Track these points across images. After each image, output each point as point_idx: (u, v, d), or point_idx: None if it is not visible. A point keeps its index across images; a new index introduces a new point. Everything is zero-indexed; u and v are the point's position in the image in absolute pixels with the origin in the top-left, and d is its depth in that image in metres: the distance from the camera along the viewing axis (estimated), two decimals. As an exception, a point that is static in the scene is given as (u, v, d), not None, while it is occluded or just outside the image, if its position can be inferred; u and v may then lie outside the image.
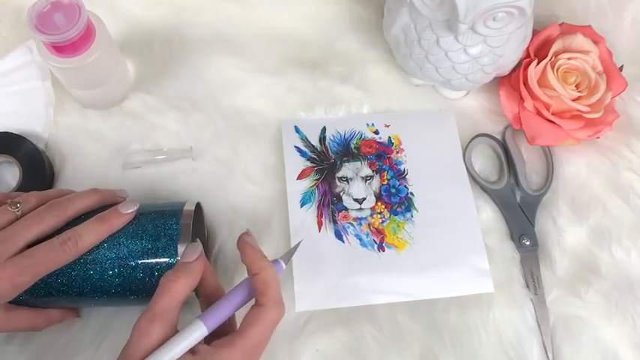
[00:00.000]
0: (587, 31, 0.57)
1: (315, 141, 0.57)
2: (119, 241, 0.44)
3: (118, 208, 0.45)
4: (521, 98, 0.56)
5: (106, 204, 0.46)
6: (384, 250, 0.52)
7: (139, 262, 0.44)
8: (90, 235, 0.43)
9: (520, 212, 0.55)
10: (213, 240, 0.52)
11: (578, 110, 0.54)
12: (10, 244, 0.41)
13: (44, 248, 0.42)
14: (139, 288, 0.45)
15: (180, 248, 0.44)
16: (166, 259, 0.44)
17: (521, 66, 0.56)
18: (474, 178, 0.56)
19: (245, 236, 0.43)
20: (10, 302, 0.42)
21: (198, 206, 0.49)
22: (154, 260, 0.44)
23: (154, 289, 0.40)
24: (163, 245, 0.44)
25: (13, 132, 0.54)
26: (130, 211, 0.45)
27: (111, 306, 0.48)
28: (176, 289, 0.39)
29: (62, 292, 0.44)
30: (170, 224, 0.45)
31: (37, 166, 0.52)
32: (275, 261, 0.42)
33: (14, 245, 0.41)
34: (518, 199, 0.55)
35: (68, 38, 0.47)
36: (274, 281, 0.41)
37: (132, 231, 0.45)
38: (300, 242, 0.44)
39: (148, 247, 0.44)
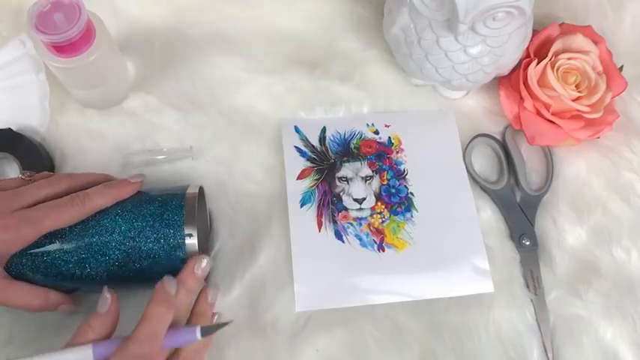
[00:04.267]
0: (587, 31, 0.57)
1: (315, 141, 0.57)
2: (123, 216, 0.45)
3: (127, 178, 0.46)
4: (521, 98, 0.56)
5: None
6: (384, 250, 0.52)
7: (142, 240, 0.44)
8: (99, 197, 0.44)
9: (520, 212, 0.55)
10: (215, 236, 0.52)
11: (578, 110, 0.54)
12: (19, 198, 0.42)
13: (52, 203, 0.43)
14: (141, 267, 0.44)
15: (186, 230, 0.45)
16: (170, 242, 0.44)
17: (521, 66, 0.56)
18: (473, 178, 0.56)
19: (165, 278, 0.41)
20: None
21: (201, 190, 0.49)
22: (157, 240, 0.45)
23: (156, 269, 0.41)
24: (167, 228, 0.45)
25: (10, 127, 0.53)
26: (137, 180, 0.46)
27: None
28: (87, 339, 0.38)
29: (64, 263, 0.44)
30: (175, 206, 0.45)
31: (36, 163, 0.52)
32: (193, 327, 0.40)
33: (22, 199, 0.42)
34: (518, 199, 0.55)
35: (68, 38, 0.47)
36: (152, 319, 0.38)
37: (137, 209, 0.45)
38: (229, 322, 0.41)
39: (151, 226, 0.45)
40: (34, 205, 0.43)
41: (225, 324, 0.40)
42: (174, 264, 0.44)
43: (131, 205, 0.45)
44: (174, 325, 0.40)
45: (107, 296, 0.40)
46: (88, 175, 0.47)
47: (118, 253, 0.44)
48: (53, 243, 0.43)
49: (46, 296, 0.45)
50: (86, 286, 0.46)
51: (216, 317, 0.46)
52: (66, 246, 0.44)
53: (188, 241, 0.45)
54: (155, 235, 0.44)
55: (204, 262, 0.43)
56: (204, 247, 0.50)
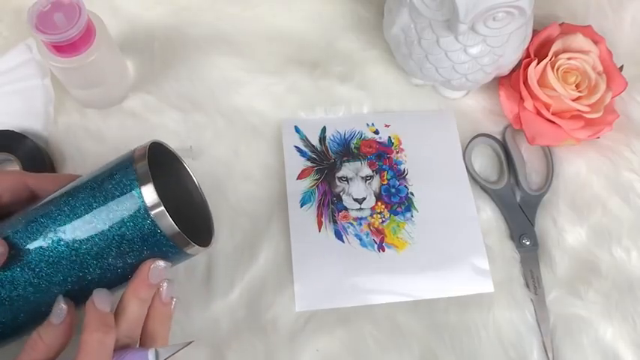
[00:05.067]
0: (587, 31, 0.57)
1: (315, 141, 0.57)
2: (79, 226, 0.38)
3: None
4: (521, 98, 0.56)
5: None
6: (384, 250, 0.52)
7: (105, 224, 0.38)
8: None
9: (520, 212, 0.55)
10: (215, 238, 0.52)
11: (578, 110, 0.54)
12: None
13: None
14: (118, 250, 0.38)
15: (145, 190, 0.37)
16: (131, 211, 0.38)
17: (521, 66, 0.56)
18: (474, 178, 0.56)
19: (94, 294, 0.37)
20: None
21: (160, 146, 0.42)
22: (119, 215, 0.38)
23: (137, 255, 0.38)
24: (122, 195, 0.38)
25: (14, 130, 0.54)
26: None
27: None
28: (37, 352, 0.35)
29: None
30: (125, 173, 0.39)
31: (37, 164, 0.52)
32: (145, 349, 0.36)
33: None
34: (518, 199, 0.55)
35: (68, 38, 0.47)
36: (90, 349, 0.34)
37: (83, 200, 0.39)
38: (189, 342, 0.37)
39: (109, 213, 0.38)
40: None
41: (186, 344, 0.36)
42: (154, 241, 0.38)
43: (79, 202, 0.38)
44: (123, 347, 0.36)
45: (63, 306, 0.37)
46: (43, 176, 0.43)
47: (83, 257, 0.38)
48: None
49: None
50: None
51: (174, 302, 0.40)
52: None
53: (152, 208, 0.38)
54: (112, 220, 0.38)
55: (161, 265, 0.38)
56: (190, 204, 0.45)
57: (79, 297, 0.39)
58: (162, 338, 0.39)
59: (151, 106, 0.57)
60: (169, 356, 0.36)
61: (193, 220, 0.42)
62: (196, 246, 0.40)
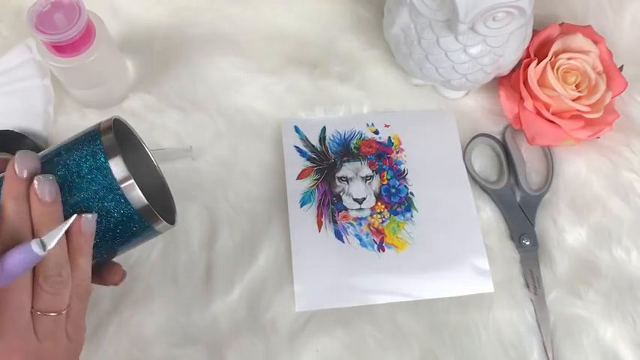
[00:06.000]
0: (587, 31, 0.57)
1: (315, 141, 0.57)
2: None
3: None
4: (521, 98, 0.56)
5: None
6: (384, 250, 0.52)
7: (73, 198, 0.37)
8: None
9: (520, 212, 0.55)
10: (215, 238, 0.52)
11: (578, 110, 0.54)
12: None
13: None
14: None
15: (113, 163, 0.37)
16: (99, 184, 0.37)
17: (521, 66, 0.56)
18: (473, 178, 0.56)
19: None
20: None
21: (121, 123, 0.42)
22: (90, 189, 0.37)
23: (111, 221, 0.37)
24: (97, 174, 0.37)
25: (14, 130, 0.54)
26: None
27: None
28: None
29: None
30: (92, 145, 0.38)
31: None
32: (23, 245, 0.32)
33: None
34: (518, 199, 0.55)
35: (68, 38, 0.47)
36: None
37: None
38: (74, 217, 0.35)
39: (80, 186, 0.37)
40: None
41: (70, 220, 0.33)
42: (115, 209, 0.38)
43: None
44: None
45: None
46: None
47: None
48: None
49: None
50: None
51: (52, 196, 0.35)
52: None
53: (122, 182, 0.37)
54: (78, 189, 0.37)
55: (19, 156, 0.34)
56: (153, 181, 0.44)
57: None
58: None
59: (151, 106, 0.57)
60: (58, 239, 0.33)
61: (155, 200, 0.40)
62: (164, 222, 0.40)
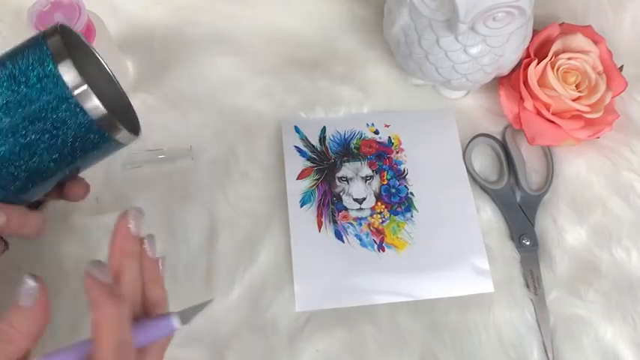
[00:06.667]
0: (587, 31, 0.57)
1: (315, 141, 0.57)
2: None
3: None
4: (521, 98, 0.56)
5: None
6: (384, 250, 0.52)
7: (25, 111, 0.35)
8: None
9: (520, 212, 0.55)
10: (215, 238, 0.52)
11: (578, 110, 0.54)
12: None
13: None
14: (41, 138, 0.36)
15: (62, 69, 0.35)
16: (51, 93, 0.35)
17: (521, 66, 0.56)
18: (474, 178, 0.56)
19: (89, 269, 0.32)
20: None
21: (69, 31, 0.38)
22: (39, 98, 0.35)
23: (60, 133, 0.35)
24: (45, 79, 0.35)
25: None
26: None
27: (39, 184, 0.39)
28: (14, 346, 0.31)
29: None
30: (39, 50, 0.35)
31: None
32: (167, 315, 0.34)
33: None
34: (518, 199, 0.55)
35: (68, 38, 0.47)
36: (109, 326, 0.30)
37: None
38: (209, 301, 0.35)
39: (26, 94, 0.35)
40: None
41: (206, 303, 0.34)
42: (70, 118, 0.36)
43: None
44: (132, 317, 0.32)
45: (32, 284, 0.31)
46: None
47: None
48: None
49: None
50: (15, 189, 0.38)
51: (161, 261, 0.37)
52: None
53: (73, 88, 0.35)
54: (29, 102, 0.35)
55: (133, 213, 0.34)
56: (113, 94, 0.42)
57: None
58: (163, 301, 0.36)
59: (151, 106, 0.57)
60: (194, 316, 0.34)
61: (114, 112, 0.38)
62: (125, 130, 0.38)
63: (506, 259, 0.53)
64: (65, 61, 0.35)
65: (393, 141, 0.57)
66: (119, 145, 0.39)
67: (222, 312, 0.49)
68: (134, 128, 0.41)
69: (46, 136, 0.36)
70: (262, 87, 0.59)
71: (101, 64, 0.42)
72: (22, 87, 0.35)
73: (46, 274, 0.34)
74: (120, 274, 0.34)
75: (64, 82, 0.35)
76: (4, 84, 0.35)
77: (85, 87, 0.35)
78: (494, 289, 0.51)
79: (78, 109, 0.35)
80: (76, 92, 0.35)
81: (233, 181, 0.55)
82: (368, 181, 0.55)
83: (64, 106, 0.35)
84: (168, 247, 0.51)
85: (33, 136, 0.36)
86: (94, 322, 0.31)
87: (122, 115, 0.40)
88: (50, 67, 0.35)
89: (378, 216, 0.54)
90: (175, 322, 0.33)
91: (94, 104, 0.35)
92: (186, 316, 0.33)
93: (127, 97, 0.43)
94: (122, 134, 0.38)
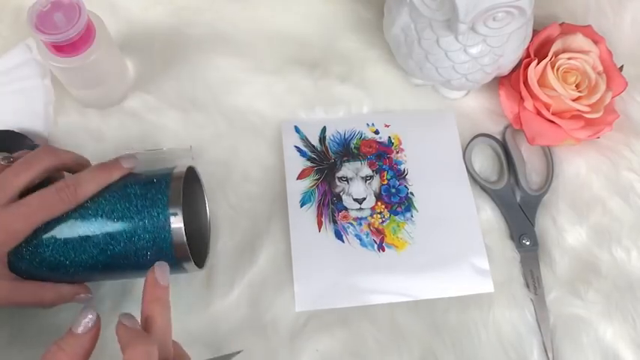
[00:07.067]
0: (587, 31, 0.57)
1: (315, 141, 0.57)
2: (107, 197, 0.43)
3: (119, 159, 0.44)
4: (521, 98, 0.56)
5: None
6: (384, 250, 0.52)
7: (126, 221, 0.43)
8: (89, 183, 0.42)
9: (520, 212, 0.55)
10: (216, 232, 0.52)
11: (578, 110, 0.54)
12: (1, 192, 0.40)
13: (40, 195, 0.41)
14: (128, 251, 0.43)
15: (171, 211, 0.43)
16: (155, 223, 0.43)
17: (521, 66, 0.56)
18: (474, 178, 0.56)
19: (121, 318, 0.35)
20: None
21: (193, 171, 0.47)
22: (140, 221, 0.43)
23: (143, 253, 0.41)
24: (150, 208, 0.43)
25: (14, 130, 0.53)
26: (129, 166, 0.44)
27: (106, 276, 0.47)
28: None
29: (51, 252, 0.42)
30: (160, 186, 0.44)
31: None
32: None
33: (5, 193, 0.40)
34: (518, 199, 0.55)
35: (68, 38, 0.47)
36: None
37: (121, 190, 0.44)
38: (238, 352, 0.38)
39: (137, 207, 0.43)
40: (20, 194, 0.41)
41: (236, 353, 0.37)
42: (161, 247, 0.43)
43: (115, 185, 0.44)
44: None
45: (91, 317, 0.35)
46: (68, 152, 0.46)
47: (101, 236, 0.42)
48: (40, 232, 0.42)
49: (57, 290, 0.44)
50: (81, 275, 0.45)
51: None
52: (49, 233, 0.42)
53: (173, 221, 0.42)
54: (139, 216, 0.42)
55: (162, 267, 0.37)
56: (200, 232, 0.49)
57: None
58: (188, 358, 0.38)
59: (151, 106, 0.57)
60: None
61: (194, 240, 0.45)
62: (193, 263, 0.44)
63: (506, 259, 0.53)
64: (178, 207, 0.43)
65: (393, 141, 0.57)
66: (182, 271, 0.45)
67: (222, 312, 0.49)
68: (201, 259, 0.47)
69: (127, 252, 0.43)
70: (262, 87, 0.59)
71: (203, 197, 0.50)
72: (132, 211, 0.43)
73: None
74: (151, 319, 0.36)
75: (169, 224, 0.42)
76: (121, 202, 0.43)
77: (180, 219, 0.42)
78: (495, 288, 0.51)
79: (167, 243, 0.42)
80: (173, 228, 0.42)
81: (233, 181, 0.55)
82: (368, 181, 0.55)
83: (157, 239, 0.43)
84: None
85: (115, 249, 0.43)
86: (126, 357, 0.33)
87: (197, 245, 0.47)
88: (164, 213, 0.43)
89: (378, 216, 0.54)
90: None
91: (180, 228, 0.43)
92: None
93: (209, 233, 0.50)
94: (190, 265, 0.44)
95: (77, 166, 0.46)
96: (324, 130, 0.57)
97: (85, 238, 0.43)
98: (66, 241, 0.43)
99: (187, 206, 0.44)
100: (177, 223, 0.43)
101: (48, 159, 0.43)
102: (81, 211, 0.43)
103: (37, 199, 0.41)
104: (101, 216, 0.43)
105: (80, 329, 0.34)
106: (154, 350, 0.33)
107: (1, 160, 0.43)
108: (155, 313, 0.36)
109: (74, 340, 0.34)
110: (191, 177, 0.47)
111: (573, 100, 0.54)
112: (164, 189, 0.43)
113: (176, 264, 0.44)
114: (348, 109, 0.58)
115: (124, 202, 0.43)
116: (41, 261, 0.43)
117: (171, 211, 0.42)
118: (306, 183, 0.55)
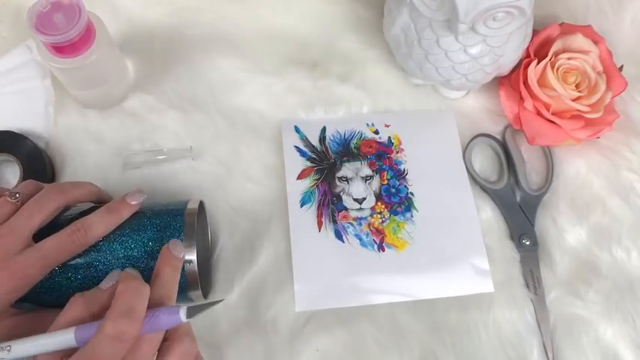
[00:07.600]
0: (587, 31, 0.57)
1: (315, 141, 0.57)
2: (121, 241, 0.44)
3: (126, 197, 0.45)
4: (521, 98, 0.56)
5: (102, 201, 0.46)
6: (384, 250, 0.52)
7: (140, 265, 0.43)
8: (99, 225, 0.43)
9: (520, 212, 0.55)
10: (216, 240, 0.52)
11: (578, 110, 0.54)
12: (16, 237, 0.41)
13: (53, 240, 0.41)
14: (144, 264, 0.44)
15: (187, 259, 0.44)
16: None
17: (521, 66, 0.56)
18: (474, 178, 0.56)
19: (125, 269, 0.41)
20: (19, 302, 0.42)
21: (202, 205, 0.49)
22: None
23: None
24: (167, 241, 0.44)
25: (14, 131, 0.54)
26: (137, 201, 0.45)
27: None
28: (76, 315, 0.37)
29: (66, 287, 0.43)
30: (174, 222, 0.45)
31: (37, 165, 0.52)
32: (175, 307, 0.37)
33: (20, 238, 0.41)
34: (518, 199, 0.55)
35: (68, 38, 0.47)
36: (126, 293, 0.36)
37: (135, 226, 0.44)
38: (219, 301, 0.39)
39: (151, 243, 0.44)
40: (32, 236, 0.41)
41: (215, 302, 0.38)
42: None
43: (129, 229, 0.44)
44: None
45: (114, 275, 0.39)
46: (76, 187, 0.46)
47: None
48: (55, 274, 0.43)
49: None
50: None
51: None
52: (65, 275, 0.43)
53: (187, 265, 0.44)
54: (154, 262, 0.42)
55: (176, 243, 0.41)
56: (205, 259, 0.50)
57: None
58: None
59: (151, 106, 0.57)
60: (199, 313, 0.37)
61: (200, 273, 0.45)
62: (200, 291, 0.45)
63: (506, 259, 0.53)
64: (192, 239, 0.44)
65: (393, 141, 0.57)
66: (188, 300, 0.46)
67: (222, 312, 0.49)
68: (206, 290, 0.48)
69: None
70: (262, 87, 0.59)
71: (208, 229, 0.52)
72: (147, 256, 0.44)
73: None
74: (157, 275, 0.39)
75: (184, 270, 0.43)
76: (136, 248, 0.44)
77: (194, 263, 0.44)
78: (494, 288, 0.51)
79: (180, 284, 0.41)
80: (186, 266, 0.44)
81: (233, 181, 0.55)
82: (368, 181, 0.55)
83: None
84: (169, 247, 0.51)
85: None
86: (117, 291, 0.36)
87: (203, 277, 0.48)
88: (180, 238, 0.44)
89: (378, 216, 0.54)
90: (181, 313, 0.36)
91: (194, 271, 0.44)
92: (192, 311, 0.36)
93: (211, 262, 0.51)
94: (197, 294, 0.45)
95: (88, 196, 0.46)
96: (324, 130, 0.57)
97: (98, 278, 0.42)
98: (78, 279, 0.43)
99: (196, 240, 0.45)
100: (191, 266, 0.44)
101: (57, 199, 0.44)
102: (93, 254, 0.43)
103: (50, 243, 0.41)
104: (115, 259, 0.43)
105: (106, 284, 0.39)
106: (145, 290, 0.36)
107: (9, 197, 0.43)
108: (162, 272, 0.39)
109: (96, 294, 0.38)
110: (199, 210, 0.48)
111: (573, 100, 0.54)
112: (178, 232, 0.44)
113: (185, 298, 0.45)
114: (347, 109, 0.58)
115: (140, 249, 0.44)
116: (51, 292, 0.43)
117: (186, 257, 0.43)
118: (306, 183, 0.55)
